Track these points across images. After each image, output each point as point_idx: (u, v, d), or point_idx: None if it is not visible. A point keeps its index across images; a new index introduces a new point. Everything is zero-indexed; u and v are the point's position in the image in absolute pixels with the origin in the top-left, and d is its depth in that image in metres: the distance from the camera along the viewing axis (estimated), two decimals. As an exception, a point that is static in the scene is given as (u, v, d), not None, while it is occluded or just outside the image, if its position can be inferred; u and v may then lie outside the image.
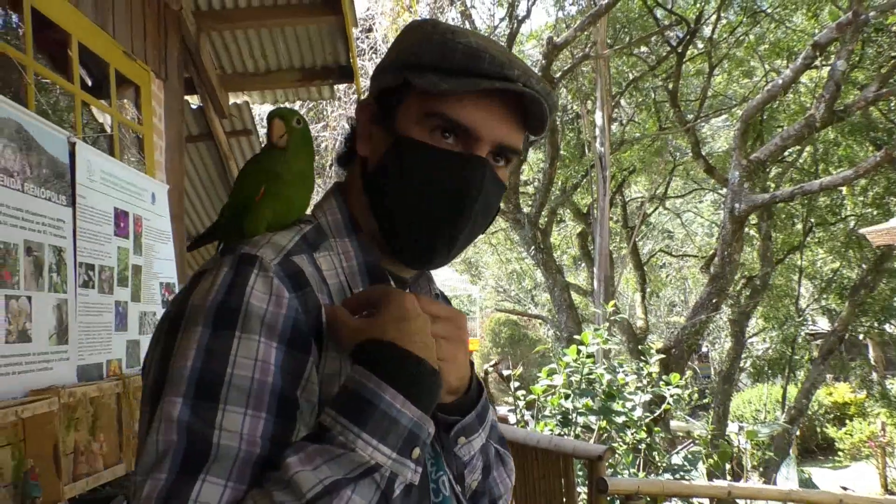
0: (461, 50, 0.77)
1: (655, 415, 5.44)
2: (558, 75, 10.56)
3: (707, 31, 11.92)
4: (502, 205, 0.89)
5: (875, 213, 12.10)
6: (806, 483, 8.20)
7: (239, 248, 0.74)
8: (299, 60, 4.80)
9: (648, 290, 15.56)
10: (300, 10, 4.21)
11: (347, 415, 0.64)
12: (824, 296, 14.85)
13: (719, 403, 10.71)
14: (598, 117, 10.75)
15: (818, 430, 14.78)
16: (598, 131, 10.78)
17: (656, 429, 5.42)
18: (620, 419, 5.04)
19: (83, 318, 2.50)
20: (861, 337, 16.22)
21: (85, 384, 2.42)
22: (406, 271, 0.88)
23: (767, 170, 10.59)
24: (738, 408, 14.81)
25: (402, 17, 8.60)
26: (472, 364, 0.84)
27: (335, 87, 5.36)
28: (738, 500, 4.32)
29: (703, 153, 11.90)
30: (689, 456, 5.49)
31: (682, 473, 5.18)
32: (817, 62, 9.75)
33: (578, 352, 5.24)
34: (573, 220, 15.43)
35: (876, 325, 13.90)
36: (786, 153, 10.87)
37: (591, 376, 5.21)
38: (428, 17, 9.62)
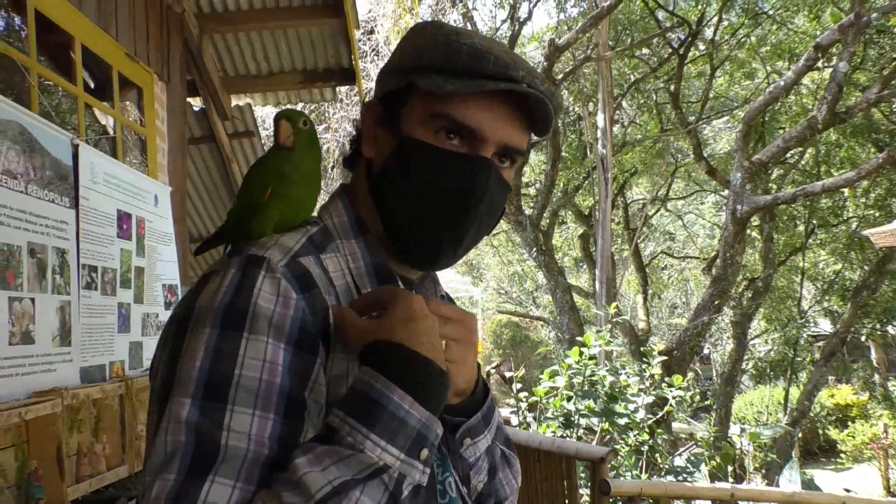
0: (466, 51, 0.77)
1: (658, 417, 5.43)
2: (560, 77, 10.57)
3: (709, 32, 11.92)
4: (505, 206, 0.90)
5: (877, 214, 12.08)
6: (808, 485, 8.19)
7: (246, 250, 0.74)
8: (301, 62, 4.81)
9: (650, 291, 15.55)
10: (302, 12, 4.22)
11: (356, 416, 0.64)
12: (826, 297, 14.83)
13: (721, 405, 10.69)
14: (600, 119, 10.75)
15: (820, 432, 14.75)
16: (599, 133, 10.78)
17: (659, 431, 5.41)
18: (623, 421, 5.03)
19: (86, 319, 2.50)
20: (863, 339, 16.19)
21: (88, 386, 2.42)
22: (412, 272, 0.88)
23: (769, 171, 10.58)
24: (740, 410, 14.78)
25: (403, 19, 8.61)
26: (478, 366, 0.85)
27: (337, 89, 5.37)
28: (740, 503, 4.31)
29: (705, 155, 11.89)
30: (692, 458, 5.48)
31: (684, 475, 5.16)
32: (819, 64, 9.74)
33: (581, 353, 5.23)
34: (575, 222, 15.42)
35: (878, 326, 13.87)
36: (788, 155, 10.85)
37: (593, 378, 5.20)
38: (430, 18, 9.63)
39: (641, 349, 8.24)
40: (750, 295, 11.71)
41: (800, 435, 11.72)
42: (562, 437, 4.93)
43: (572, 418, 5.09)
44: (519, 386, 5.85)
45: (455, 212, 0.79)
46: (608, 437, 5.20)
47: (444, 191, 0.79)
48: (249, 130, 5.19)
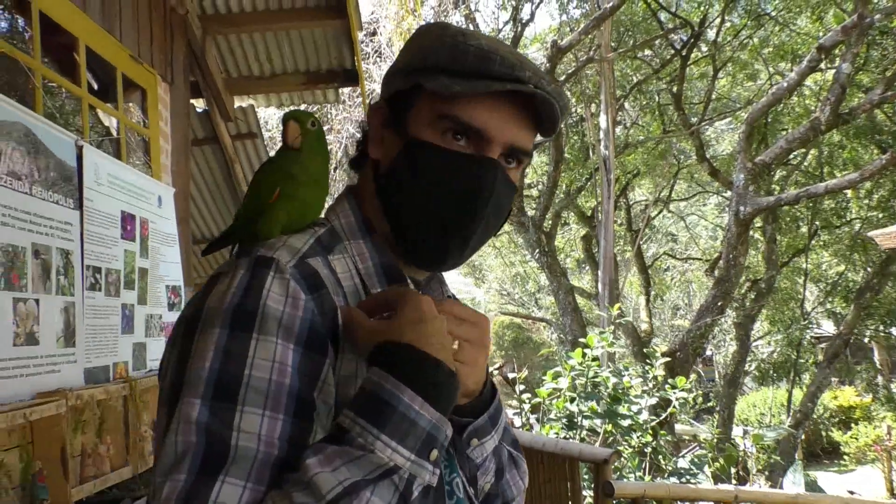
0: (472, 52, 0.77)
1: (661, 418, 5.43)
2: (562, 78, 10.57)
3: (711, 34, 11.91)
4: (511, 207, 0.90)
5: (880, 215, 12.07)
6: (811, 487, 8.18)
7: (255, 251, 0.74)
8: (304, 64, 4.82)
9: (653, 293, 15.53)
10: (305, 13, 4.23)
11: (366, 416, 0.64)
12: (829, 299, 14.81)
13: (724, 407, 10.68)
14: (603, 120, 10.75)
15: (823, 433, 14.72)
16: (602, 134, 10.78)
17: (662, 432, 5.40)
18: (626, 423, 5.02)
19: (90, 320, 2.50)
20: (866, 340, 16.14)
21: (92, 387, 2.42)
22: (419, 273, 0.88)
23: (772, 173, 10.57)
24: (742, 411, 14.76)
25: (406, 20, 8.62)
26: (486, 367, 0.85)
27: (340, 90, 5.37)
28: (744, 504, 4.30)
29: (708, 156, 11.88)
30: (695, 460, 5.47)
31: (688, 477, 5.16)
32: (822, 65, 9.73)
33: (584, 355, 5.23)
34: (577, 223, 15.42)
35: (882, 328, 13.84)
36: (790, 156, 10.84)
37: (596, 379, 5.20)
38: (432, 20, 9.64)
39: (644, 351, 8.23)
40: (753, 296, 11.69)
41: (803, 437, 11.70)
42: (565, 438, 4.93)
43: (575, 420, 5.09)
44: (522, 387, 5.85)
45: (462, 213, 0.79)
46: (611, 438, 5.19)
47: (451, 192, 0.79)
48: (252, 132, 5.20)
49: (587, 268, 15.97)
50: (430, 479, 0.66)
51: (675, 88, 11.41)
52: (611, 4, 9.21)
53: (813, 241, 13.04)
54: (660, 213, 16.04)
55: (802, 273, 13.58)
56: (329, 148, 0.91)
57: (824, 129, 8.91)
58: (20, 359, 2.07)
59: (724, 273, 9.64)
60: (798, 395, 12.63)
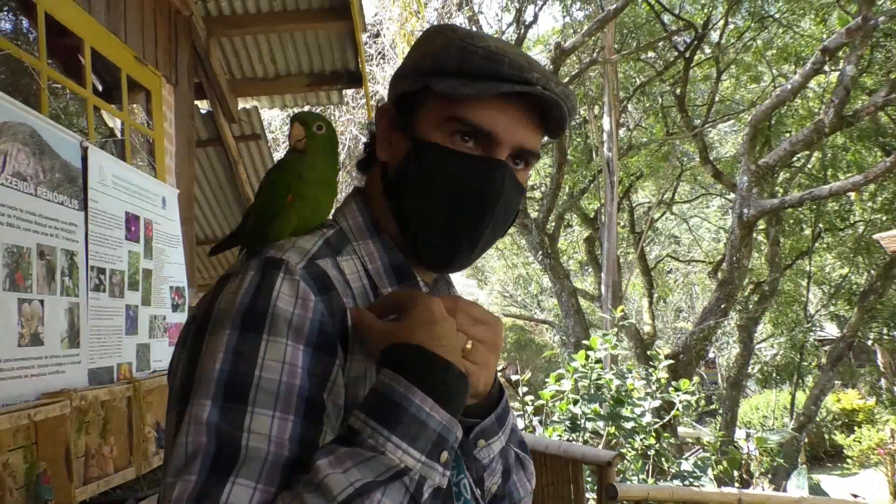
0: (481, 54, 0.77)
1: (664, 421, 5.42)
2: (566, 80, 10.57)
3: (715, 36, 11.91)
4: (519, 208, 0.91)
5: (884, 218, 12.05)
6: (815, 490, 8.15)
7: (264, 252, 0.75)
8: (308, 65, 4.82)
9: (655, 295, 15.51)
10: (309, 15, 4.23)
11: (377, 418, 0.64)
12: (833, 302, 14.78)
13: (727, 410, 10.66)
14: (606, 122, 10.75)
15: (826, 437, 14.69)
16: (605, 136, 10.78)
17: (665, 435, 5.39)
18: (629, 425, 5.01)
19: (94, 321, 2.51)
20: (870, 343, 16.11)
21: (96, 387, 2.43)
22: (427, 275, 0.88)
23: (776, 175, 10.56)
24: (745, 414, 14.73)
25: (409, 22, 8.62)
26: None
27: (343, 92, 5.38)
28: (747, 508, 4.28)
29: (711, 158, 11.87)
30: (699, 462, 5.46)
31: (691, 480, 5.14)
32: (826, 67, 9.72)
33: (587, 357, 5.22)
34: (580, 225, 15.42)
35: (885, 331, 13.82)
36: (794, 158, 10.83)
37: (599, 381, 5.19)
38: (436, 22, 9.64)
39: (648, 353, 8.22)
40: (756, 299, 11.67)
41: (806, 440, 11.67)
42: (568, 440, 4.92)
43: (578, 422, 5.08)
44: (525, 389, 5.84)
45: (470, 214, 0.80)
46: (614, 440, 5.18)
47: (460, 193, 0.79)
48: (256, 133, 5.20)
49: (590, 270, 15.97)
50: (441, 481, 0.66)
51: (678, 90, 11.40)
52: (614, 6, 9.21)
53: (816, 244, 13.02)
54: (663, 215, 16.03)
55: (806, 275, 13.56)
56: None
57: (828, 132, 8.90)
58: (25, 359, 2.07)
59: (728, 275, 9.63)
60: (801, 397, 12.60)
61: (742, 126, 12.83)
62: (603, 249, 11.20)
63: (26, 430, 2.02)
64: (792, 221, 12.80)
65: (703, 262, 17.19)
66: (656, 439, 5.16)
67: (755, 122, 9.57)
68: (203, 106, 4.82)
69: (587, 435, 5.12)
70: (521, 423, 6.09)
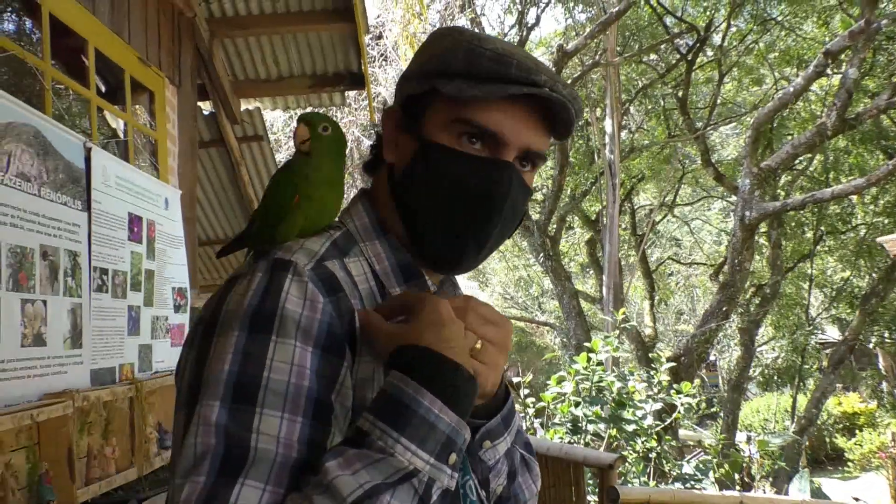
0: (488, 56, 0.77)
1: (666, 423, 5.41)
2: (568, 83, 10.57)
3: (717, 38, 11.91)
4: (526, 210, 0.91)
5: (886, 221, 12.04)
6: (816, 493, 8.13)
7: (272, 254, 0.75)
8: (311, 67, 4.82)
9: (657, 297, 15.51)
10: (312, 17, 4.24)
11: (386, 419, 0.64)
12: (834, 305, 14.77)
13: (728, 412, 10.65)
14: (608, 125, 10.75)
15: (827, 440, 14.66)
16: (607, 138, 10.78)
17: (666, 437, 5.38)
18: (630, 427, 5.01)
19: (97, 322, 2.51)
20: (871, 346, 16.09)
21: (98, 388, 2.43)
22: (433, 276, 0.88)
23: (778, 178, 10.55)
24: (746, 417, 14.71)
25: (412, 24, 8.63)
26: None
27: (346, 93, 5.38)
28: (749, 511, 4.28)
29: (713, 161, 11.87)
30: (700, 465, 5.45)
31: (692, 483, 5.14)
32: (828, 70, 9.72)
33: (588, 359, 5.22)
34: (582, 227, 15.41)
35: (887, 334, 13.80)
36: (796, 161, 10.83)
37: (601, 384, 5.19)
38: (438, 24, 9.65)
39: (649, 355, 8.21)
40: (757, 301, 11.66)
41: (807, 443, 11.65)
42: (569, 442, 4.91)
43: (580, 424, 5.07)
44: (526, 391, 5.84)
45: (478, 216, 0.80)
46: (615, 443, 5.18)
47: (467, 195, 0.79)
48: (259, 134, 5.21)
49: (591, 272, 15.96)
50: (449, 483, 0.66)
51: (680, 93, 11.41)
52: (617, 9, 9.22)
53: (818, 247, 13.01)
54: (664, 217, 16.02)
55: (807, 278, 13.55)
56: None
57: (830, 135, 8.89)
58: (27, 360, 2.07)
59: (729, 278, 9.62)
60: (802, 401, 12.58)
61: (744, 129, 12.83)
62: (604, 252, 11.20)
63: (28, 430, 2.02)
64: (794, 224, 12.79)
65: (705, 264, 17.18)
66: (658, 442, 5.16)
67: (757, 125, 9.57)
68: (206, 107, 4.83)
69: (588, 437, 5.12)
70: (522, 426, 6.09)
